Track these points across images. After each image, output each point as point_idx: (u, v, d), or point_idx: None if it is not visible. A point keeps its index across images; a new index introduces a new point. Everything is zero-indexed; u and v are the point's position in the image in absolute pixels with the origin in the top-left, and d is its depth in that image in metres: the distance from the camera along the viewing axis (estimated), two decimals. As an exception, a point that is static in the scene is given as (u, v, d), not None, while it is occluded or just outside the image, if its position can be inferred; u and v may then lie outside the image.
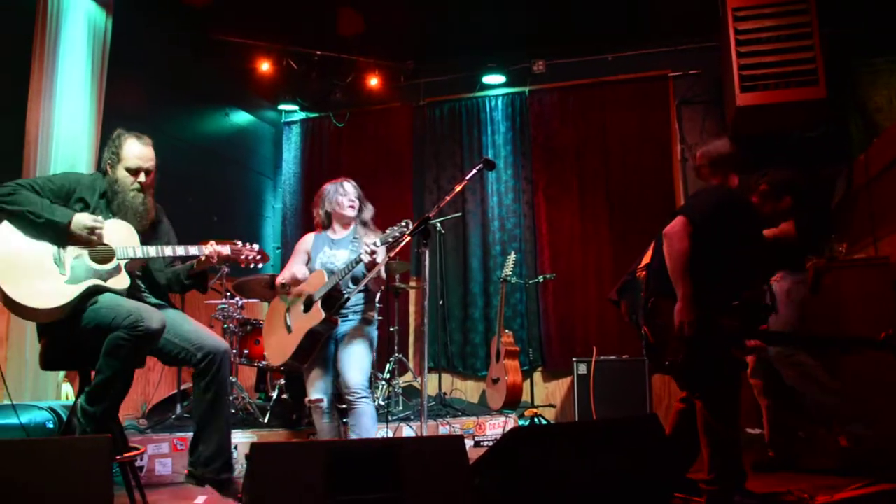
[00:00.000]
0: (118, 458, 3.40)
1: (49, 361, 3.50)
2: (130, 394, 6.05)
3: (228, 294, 6.08)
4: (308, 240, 4.67)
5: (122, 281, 3.47)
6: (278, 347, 4.36)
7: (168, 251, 3.59)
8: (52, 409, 4.50)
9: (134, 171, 3.62)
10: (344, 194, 4.56)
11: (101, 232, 3.42)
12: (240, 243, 3.80)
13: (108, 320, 3.26)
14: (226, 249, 3.70)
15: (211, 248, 3.66)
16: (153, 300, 3.69)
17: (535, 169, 7.64)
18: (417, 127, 8.28)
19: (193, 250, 3.65)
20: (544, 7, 6.90)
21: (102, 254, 3.44)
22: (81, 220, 3.38)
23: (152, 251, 3.55)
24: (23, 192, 3.35)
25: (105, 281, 3.42)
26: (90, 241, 3.40)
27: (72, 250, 3.40)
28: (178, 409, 5.40)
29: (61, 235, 3.36)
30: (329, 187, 4.62)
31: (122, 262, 3.48)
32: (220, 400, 3.58)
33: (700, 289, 3.50)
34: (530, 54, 7.68)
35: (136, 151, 3.64)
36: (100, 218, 3.45)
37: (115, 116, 5.78)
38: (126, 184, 3.61)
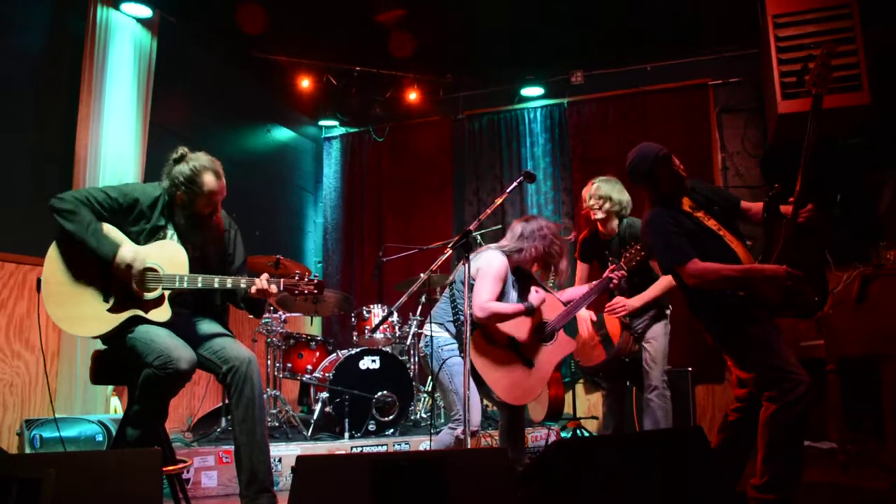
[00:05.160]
0: (165, 469, 3.41)
1: (98, 376, 3.55)
2: (176, 407, 6.22)
3: (272, 308, 6.15)
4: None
5: (163, 313, 3.42)
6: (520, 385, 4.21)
7: (216, 282, 3.49)
8: (101, 423, 4.60)
9: (208, 205, 3.59)
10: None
11: (138, 269, 3.35)
12: (297, 276, 3.65)
13: (141, 355, 3.27)
14: (275, 287, 3.54)
15: (262, 283, 3.51)
16: (185, 312, 3.63)
17: (574, 180, 7.59)
18: (457, 140, 8.34)
19: (243, 283, 3.53)
20: (582, 18, 6.88)
21: (149, 281, 3.41)
22: (124, 256, 3.32)
23: (200, 281, 3.46)
24: (82, 211, 3.32)
25: (146, 312, 3.39)
26: (130, 277, 3.35)
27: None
28: (223, 423, 5.46)
29: (106, 267, 3.33)
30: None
31: (167, 293, 3.44)
32: (250, 420, 3.46)
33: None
34: (568, 66, 7.69)
35: (214, 189, 3.54)
36: (140, 254, 3.38)
37: (160, 135, 5.91)
38: (197, 210, 3.57)
